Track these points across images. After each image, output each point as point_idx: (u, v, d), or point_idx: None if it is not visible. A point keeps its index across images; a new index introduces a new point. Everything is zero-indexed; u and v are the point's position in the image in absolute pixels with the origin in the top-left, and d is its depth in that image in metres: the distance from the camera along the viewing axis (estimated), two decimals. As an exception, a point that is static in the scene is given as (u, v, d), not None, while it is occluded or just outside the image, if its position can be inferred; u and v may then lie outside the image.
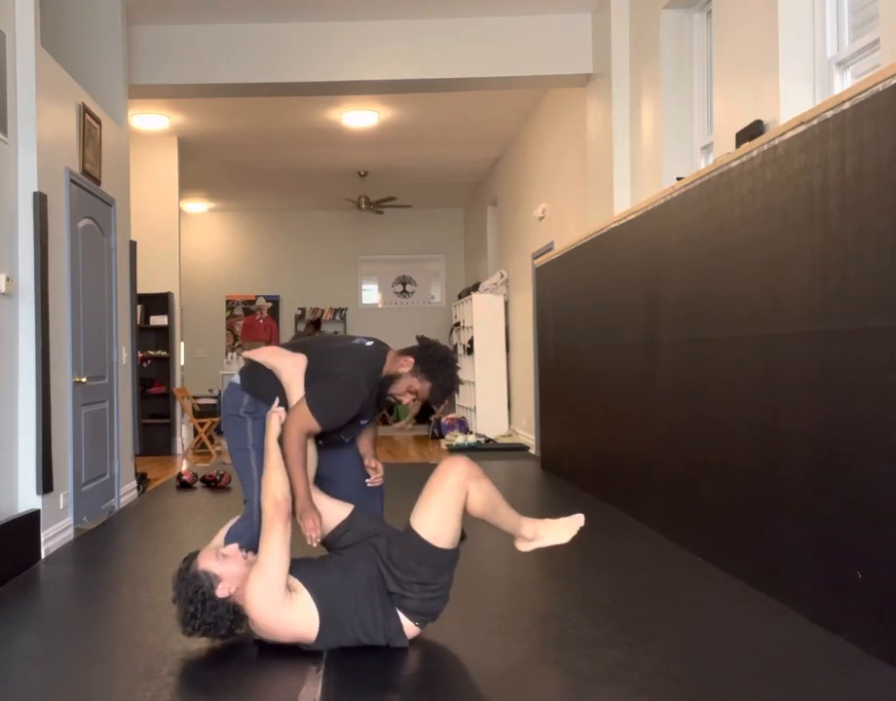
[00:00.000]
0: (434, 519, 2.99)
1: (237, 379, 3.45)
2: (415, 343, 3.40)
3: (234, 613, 2.98)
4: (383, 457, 3.87)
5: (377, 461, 3.58)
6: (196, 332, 14.48)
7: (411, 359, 3.30)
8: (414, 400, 3.34)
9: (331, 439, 3.43)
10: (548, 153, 9.21)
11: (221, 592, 2.95)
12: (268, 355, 3.41)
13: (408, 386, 3.30)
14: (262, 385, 3.36)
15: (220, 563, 3.00)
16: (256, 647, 3.08)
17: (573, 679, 2.82)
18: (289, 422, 3.18)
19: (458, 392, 3.57)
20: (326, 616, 2.95)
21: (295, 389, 3.27)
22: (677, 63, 5.89)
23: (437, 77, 7.37)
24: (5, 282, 4.47)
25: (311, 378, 3.28)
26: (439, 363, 3.29)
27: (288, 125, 9.85)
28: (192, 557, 3.07)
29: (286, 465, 3.16)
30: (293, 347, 3.48)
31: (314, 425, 3.19)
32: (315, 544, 3.13)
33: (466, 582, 4.00)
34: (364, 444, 3.59)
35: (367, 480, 3.53)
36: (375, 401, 3.38)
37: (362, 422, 3.41)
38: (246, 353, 3.51)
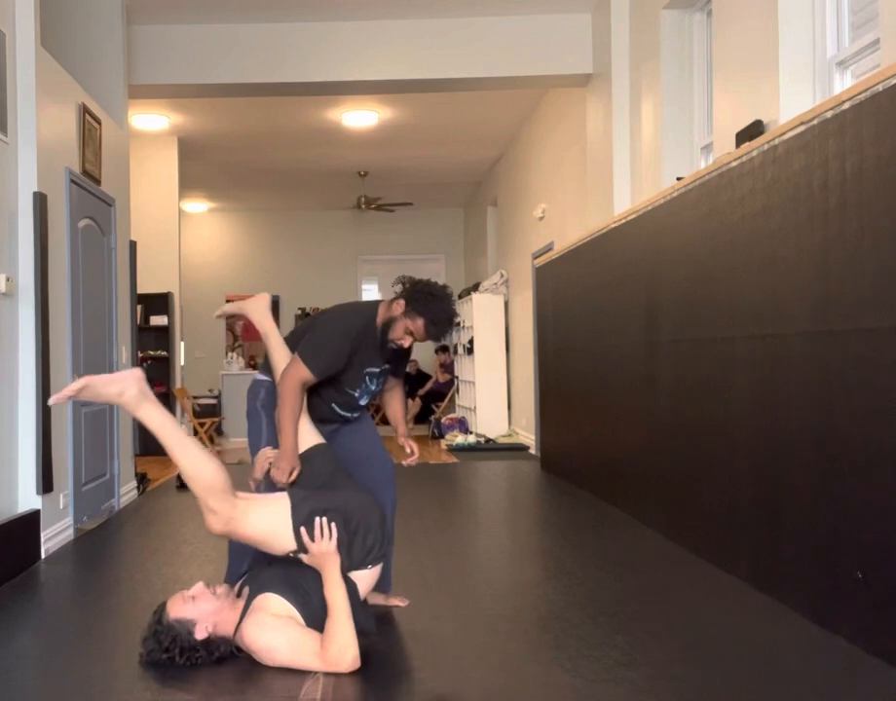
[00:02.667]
0: (266, 544, 3.03)
1: (258, 373, 3.58)
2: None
3: (218, 646, 2.94)
4: (383, 457, 3.86)
5: (412, 442, 3.60)
6: (196, 332, 14.47)
7: (402, 301, 3.35)
8: (414, 340, 3.38)
9: (345, 400, 3.47)
10: (548, 153, 9.21)
11: (199, 634, 2.91)
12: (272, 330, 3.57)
13: (404, 327, 3.34)
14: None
15: (190, 606, 2.94)
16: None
17: (573, 679, 2.82)
18: (283, 376, 3.29)
19: (452, 326, 3.53)
20: (310, 619, 2.96)
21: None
22: (677, 63, 5.89)
23: (437, 77, 7.37)
24: (5, 282, 4.47)
25: (301, 337, 3.43)
26: (428, 297, 3.32)
27: (288, 125, 9.85)
28: (160, 609, 2.99)
29: (278, 417, 3.25)
30: (290, 336, 3.58)
31: (306, 374, 3.28)
32: (281, 486, 3.24)
33: (466, 583, 4.00)
34: (394, 413, 3.68)
35: (404, 462, 3.59)
36: (380, 351, 3.42)
37: (367, 370, 3.44)
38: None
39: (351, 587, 3.00)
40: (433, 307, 3.32)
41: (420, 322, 3.32)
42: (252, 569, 3.23)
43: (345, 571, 3.03)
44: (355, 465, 3.51)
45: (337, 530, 3.01)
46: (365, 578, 3.12)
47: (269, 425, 3.42)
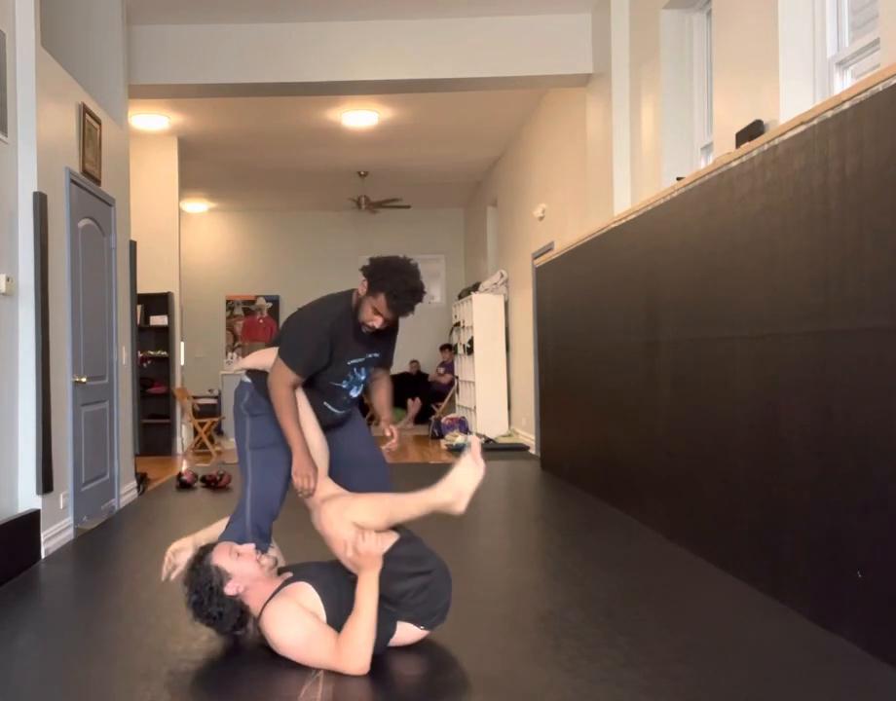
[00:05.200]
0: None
1: (244, 375, 3.52)
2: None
3: (240, 613, 2.99)
4: (383, 457, 3.83)
5: (394, 427, 3.54)
6: (196, 332, 14.47)
7: (365, 280, 3.24)
8: (383, 320, 3.24)
9: (334, 397, 3.43)
10: (548, 153, 9.21)
11: (229, 590, 2.97)
12: (256, 358, 3.49)
13: (370, 306, 3.22)
14: (261, 380, 3.40)
15: (233, 561, 3.00)
16: (256, 647, 3.08)
17: (573, 679, 2.82)
18: (270, 381, 3.26)
19: (417, 299, 3.25)
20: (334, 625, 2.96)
21: None
22: (677, 63, 5.89)
23: (437, 77, 7.38)
24: (5, 282, 4.47)
25: (280, 339, 3.37)
26: (387, 271, 3.18)
27: (288, 125, 9.85)
28: (208, 548, 3.08)
29: (280, 424, 3.23)
30: (275, 341, 3.50)
31: (291, 376, 3.24)
32: (306, 497, 3.23)
33: (466, 583, 4.00)
34: (378, 400, 3.61)
35: (384, 447, 3.54)
36: (361, 338, 3.34)
37: (351, 361, 3.36)
38: (240, 364, 3.57)
39: (391, 623, 2.99)
40: (393, 279, 3.16)
41: (381, 298, 3.18)
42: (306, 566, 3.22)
43: (407, 619, 3.02)
44: (352, 468, 3.48)
45: (416, 572, 3.00)
46: (409, 634, 3.07)
47: (253, 429, 3.38)
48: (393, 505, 3.08)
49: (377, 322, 3.25)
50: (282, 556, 3.42)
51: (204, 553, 3.06)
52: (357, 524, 2.95)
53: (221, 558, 3.01)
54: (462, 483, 3.10)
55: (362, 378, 3.47)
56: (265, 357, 3.42)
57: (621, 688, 2.72)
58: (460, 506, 3.11)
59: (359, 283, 3.29)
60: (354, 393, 3.49)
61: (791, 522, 3.51)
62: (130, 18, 6.97)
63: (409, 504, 3.10)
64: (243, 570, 2.99)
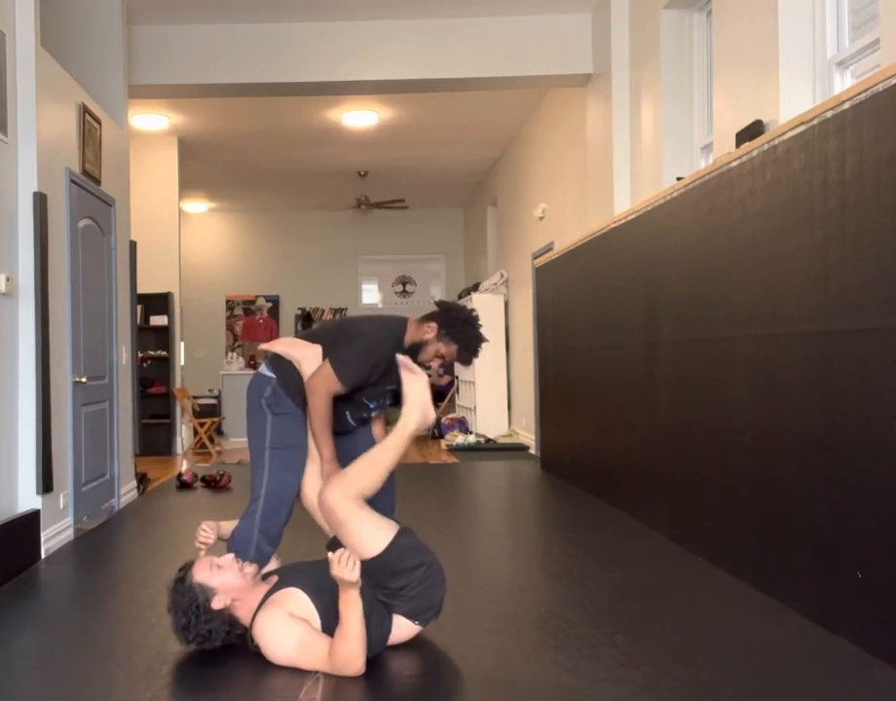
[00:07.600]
0: (355, 539, 2.97)
1: (263, 367, 3.47)
2: (434, 308, 3.46)
3: (229, 625, 2.95)
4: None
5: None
6: (196, 332, 14.47)
7: (434, 324, 3.38)
8: (442, 364, 3.44)
9: (359, 411, 3.46)
10: (548, 153, 9.21)
11: (216, 605, 2.92)
12: (286, 346, 3.47)
13: (435, 350, 3.39)
14: (285, 375, 3.38)
15: (215, 575, 2.95)
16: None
17: (573, 679, 2.82)
18: (313, 385, 3.25)
19: (480, 352, 3.59)
20: (327, 630, 2.94)
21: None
22: (677, 63, 5.90)
23: (437, 77, 7.38)
24: (5, 282, 4.47)
25: (330, 345, 3.35)
26: (462, 324, 3.38)
27: (288, 125, 9.85)
28: (187, 567, 3.02)
29: (312, 430, 3.24)
30: (309, 336, 3.52)
31: (337, 386, 3.28)
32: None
33: (466, 582, 4.00)
34: (377, 428, 3.66)
35: None
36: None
37: (388, 387, 3.44)
38: (264, 346, 3.55)
39: (388, 619, 2.98)
40: (468, 335, 3.38)
41: (453, 348, 3.38)
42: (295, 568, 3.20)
43: (402, 613, 3.01)
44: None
45: (416, 565, 2.99)
46: (404, 630, 3.05)
47: (275, 428, 3.35)
48: (381, 458, 3.11)
49: (435, 364, 3.43)
50: (276, 559, 3.39)
51: (184, 573, 3.00)
52: (362, 492, 3.01)
53: (202, 574, 2.96)
54: (418, 397, 3.20)
55: (387, 402, 3.56)
56: (294, 349, 3.41)
57: (621, 688, 2.72)
58: (431, 415, 3.23)
59: (424, 324, 3.38)
60: (374, 414, 3.57)
61: (791, 522, 3.51)
62: (131, 18, 6.97)
63: (393, 448, 3.13)
64: (227, 582, 2.94)
